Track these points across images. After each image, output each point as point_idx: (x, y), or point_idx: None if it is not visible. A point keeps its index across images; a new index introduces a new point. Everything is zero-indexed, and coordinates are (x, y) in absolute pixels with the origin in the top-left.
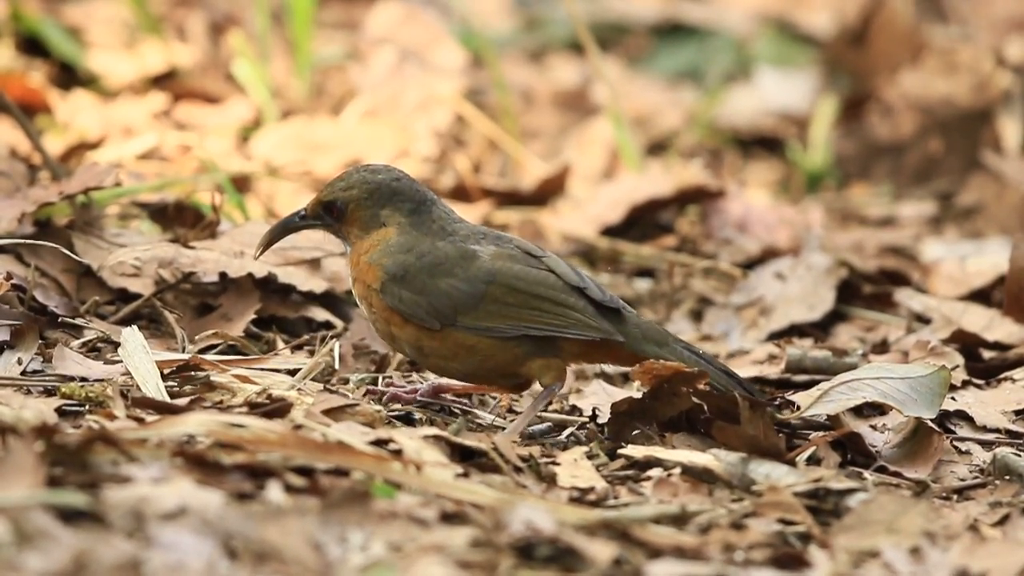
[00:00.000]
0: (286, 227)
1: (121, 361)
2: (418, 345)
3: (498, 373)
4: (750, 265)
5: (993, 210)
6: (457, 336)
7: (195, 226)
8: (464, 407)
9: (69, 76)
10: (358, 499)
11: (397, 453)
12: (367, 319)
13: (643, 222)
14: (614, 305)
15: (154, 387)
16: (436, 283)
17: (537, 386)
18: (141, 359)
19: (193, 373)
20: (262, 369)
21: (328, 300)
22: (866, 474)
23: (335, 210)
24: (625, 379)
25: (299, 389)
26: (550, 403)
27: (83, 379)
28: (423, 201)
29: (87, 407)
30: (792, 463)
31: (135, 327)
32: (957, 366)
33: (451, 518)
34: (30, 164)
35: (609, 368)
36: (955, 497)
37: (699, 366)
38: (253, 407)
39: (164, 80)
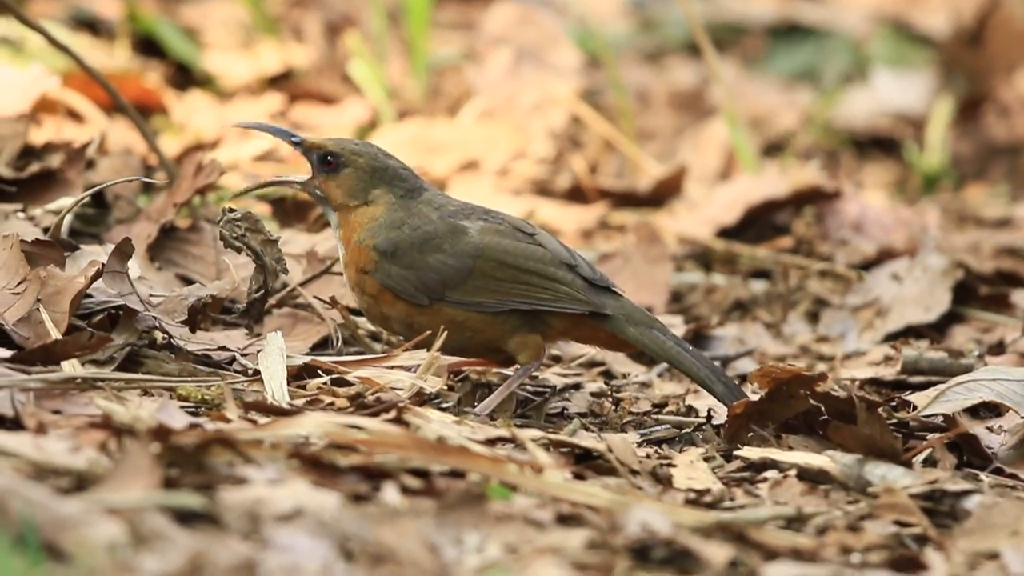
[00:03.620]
0: (278, 133)
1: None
2: (408, 322)
3: (486, 348)
4: (866, 266)
5: None
6: (446, 311)
7: (316, 221)
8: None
9: (185, 77)
10: (474, 501)
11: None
12: (359, 306)
13: (759, 223)
14: (604, 283)
15: (278, 387)
16: (425, 259)
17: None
18: (275, 361)
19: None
20: (384, 368)
21: None
22: (982, 476)
23: (331, 163)
24: (742, 380)
25: (421, 387)
26: (524, 383)
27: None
28: (417, 187)
29: (202, 409)
30: (908, 464)
31: (279, 332)
32: None
33: (567, 520)
34: (146, 165)
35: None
36: None
37: (681, 356)
38: (364, 407)
39: (280, 81)
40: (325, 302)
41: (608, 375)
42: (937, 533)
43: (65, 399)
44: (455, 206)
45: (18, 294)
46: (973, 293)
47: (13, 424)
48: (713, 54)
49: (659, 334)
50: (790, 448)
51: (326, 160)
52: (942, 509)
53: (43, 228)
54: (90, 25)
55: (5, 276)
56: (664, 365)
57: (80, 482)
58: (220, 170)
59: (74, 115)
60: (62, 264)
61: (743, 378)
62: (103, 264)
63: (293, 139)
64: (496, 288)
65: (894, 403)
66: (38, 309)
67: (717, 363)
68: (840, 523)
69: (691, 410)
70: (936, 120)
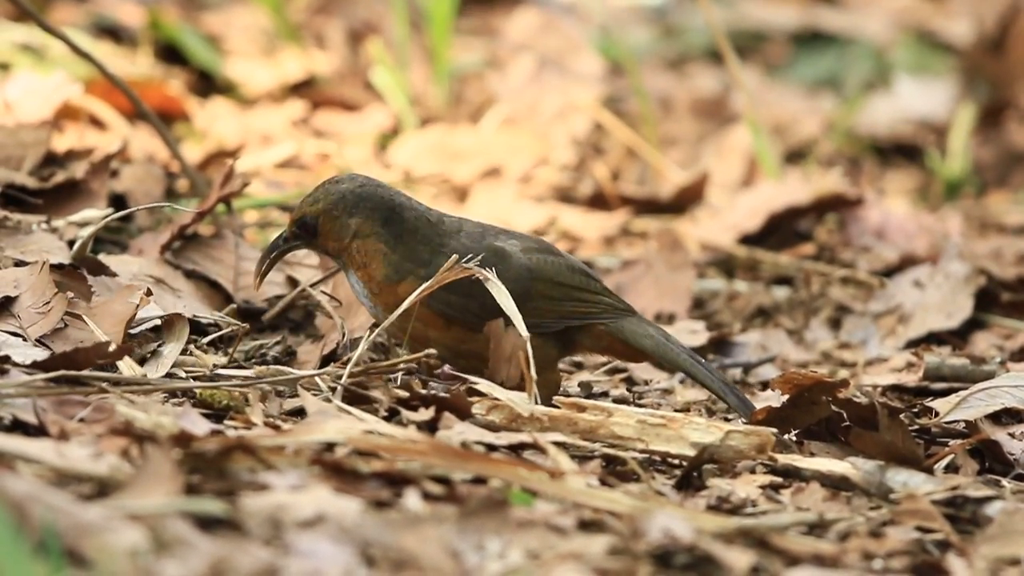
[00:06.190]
0: (272, 251)
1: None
2: (457, 347)
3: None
4: (888, 273)
5: None
6: None
7: None
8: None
9: (207, 84)
10: (496, 507)
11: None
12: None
13: (781, 230)
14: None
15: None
16: (482, 284)
17: None
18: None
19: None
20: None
21: None
22: (1004, 482)
23: (307, 227)
24: (764, 387)
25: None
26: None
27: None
28: (392, 207)
29: (226, 414)
30: (930, 471)
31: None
32: None
33: (589, 526)
34: (168, 172)
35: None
36: None
37: (695, 368)
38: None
39: (302, 88)
40: (335, 299)
41: (630, 381)
42: (959, 539)
43: (87, 406)
44: (456, 225)
45: (43, 313)
46: (995, 300)
47: (36, 431)
48: (735, 61)
49: (673, 346)
50: (812, 454)
51: (304, 229)
52: (964, 515)
53: (68, 241)
54: (112, 32)
55: (31, 296)
56: None
57: (102, 488)
58: (244, 182)
59: (96, 122)
60: (87, 295)
61: (765, 385)
62: (148, 288)
63: (282, 238)
64: (552, 308)
65: (916, 409)
66: (64, 326)
67: (739, 369)
68: (862, 529)
69: (712, 415)
70: (958, 127)
